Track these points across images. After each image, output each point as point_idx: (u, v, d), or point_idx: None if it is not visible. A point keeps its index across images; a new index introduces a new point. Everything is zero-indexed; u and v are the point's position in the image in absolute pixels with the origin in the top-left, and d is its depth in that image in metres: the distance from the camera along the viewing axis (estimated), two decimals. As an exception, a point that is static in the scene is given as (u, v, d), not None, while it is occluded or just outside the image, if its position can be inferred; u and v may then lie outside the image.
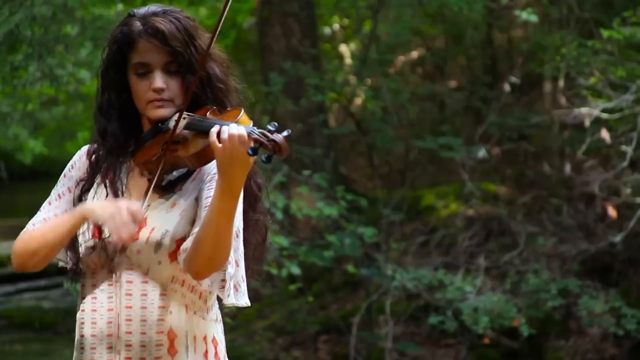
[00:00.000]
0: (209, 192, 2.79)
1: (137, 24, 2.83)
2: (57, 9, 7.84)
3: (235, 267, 2.81)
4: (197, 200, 2.83)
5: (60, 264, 3.02)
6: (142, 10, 2.86)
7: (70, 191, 2.98)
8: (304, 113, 9.28)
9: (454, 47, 11.07)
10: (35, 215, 2.99)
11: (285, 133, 2.57)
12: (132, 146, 2.94)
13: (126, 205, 2.72)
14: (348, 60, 12.20)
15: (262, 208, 2.94)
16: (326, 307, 9.38)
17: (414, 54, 12.09)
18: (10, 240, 3.01)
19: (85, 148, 3.03)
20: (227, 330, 9.64)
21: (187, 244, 2.75)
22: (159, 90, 2.83)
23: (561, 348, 8.33)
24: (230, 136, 2.58)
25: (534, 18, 8.14)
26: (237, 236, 2.81)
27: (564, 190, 9.02)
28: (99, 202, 2.84)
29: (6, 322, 11.36)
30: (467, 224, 9.03)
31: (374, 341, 8.61)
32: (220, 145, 2.59)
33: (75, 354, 2.91)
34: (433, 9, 10.32)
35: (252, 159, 2.59)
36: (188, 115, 2.80)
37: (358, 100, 11.02)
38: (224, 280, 2.77)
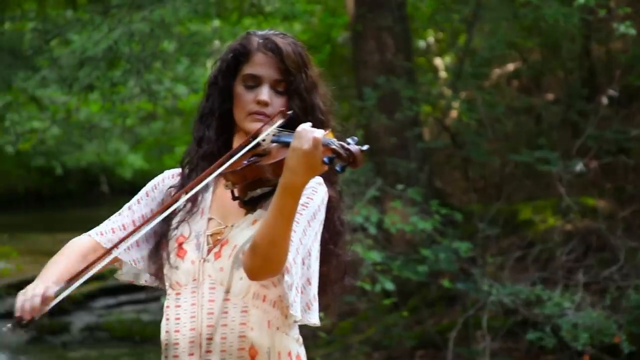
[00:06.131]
0: None
1: (257, 39, 2.92)
2: (155, 25, 7.96)
3: (307, 284, 2.82)
4: None
5: (142, 283, 3.07)
6: (262, 31, 2.97)
7: (152, 213, 3.01)
8: (398, 127, 9.25)
9: (550, 60, 10.93)
10: (109, 221, 3.04)
11: (363, 147, 2.61)
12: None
13: (45, 285, 2.76)
14: (443, 74, 12.14)
15: (344, 246, 2.95)
16: (422, 322, 9.31)
17: (510, 67, 11.97)
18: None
19: (170, 171, 3.07)
20: (323, 344, 9.51)
21: (248, 245, 2.77)
22: (263, 104, 2.88)
23: (664, 365, 8.14)
24: (307, 135, 2.60)
25: (632, 31, 7.99)
26: (310, 255, 2.83)
27: (665, 204, 8.84)
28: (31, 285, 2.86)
29: (108, 334, 11.53)
30: (565, 238, 8.88)
31: (471, 357, 8.52)
32: (296, 141, 2.61)
33: None
34: (529, 22, 10.21)
35: (323, 167, 2.61)
36: (280, 131, 2.84)
37: (453, 114, 10.95)
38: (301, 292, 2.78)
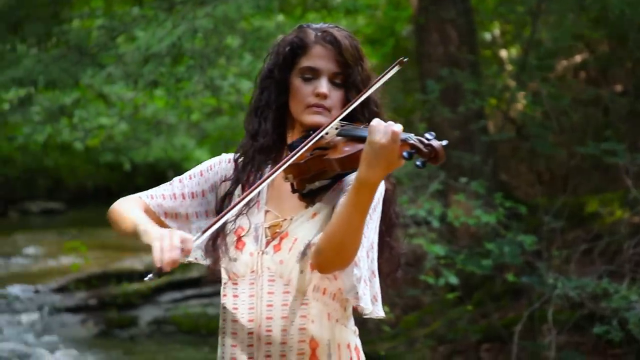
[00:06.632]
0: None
1: (313, 32, 2.94)
2: (218, 21, 8.00)
3: (372, 276, 2.82)
4: (334, 208, 2.84)
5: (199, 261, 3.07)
6: (316, 24, 2.98)
7: (203, 194, 3.03)
8: (462, 120, 9.19)
9: (618, 51, 10.78)
10: (158, 188, 3.07)
11: (444, 142, 2.59)
12: (278, 152, 2.98)
13: (180, 233, 2.70)
14: (508, 66, 12.04)
15: (397, 237, 2.95)
16: (488, 316, 9.26)
17: (577, 59, 11.84)
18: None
19: (226, 155, 3.08)
20: (388, 338, 9.46)
21: (316, 239, 2.77)
22: (322, 96, 2.89)
23: None
24: (386, 129, 2.59)
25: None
26: (373, 248, 2.82)
27: None
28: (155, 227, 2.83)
29: (175, 328, 11.63)
30: (633, 231, 8.76)
31: (536, 350, 8.45)
32: (373, 135, 2.60)
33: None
34: (595, 13, 10.08)
35: (401, 162, 2.60)
36: (342, 125, 2.83)
37: (519, 106, 10.86)
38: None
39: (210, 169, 3.06)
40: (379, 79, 2.80)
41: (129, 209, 2.93)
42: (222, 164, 3.06)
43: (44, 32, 9.50)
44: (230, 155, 3.07)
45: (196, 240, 2.71)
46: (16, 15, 9.40)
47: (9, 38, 9.66)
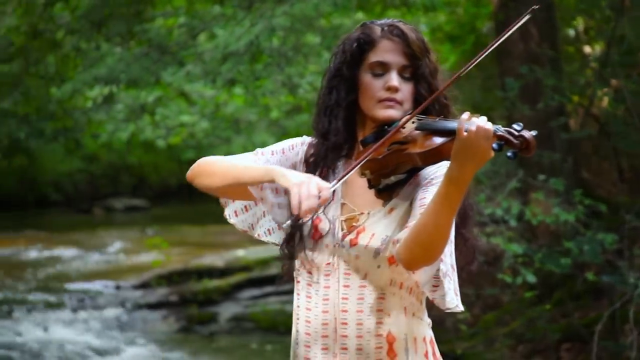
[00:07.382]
0: (424, 193, 2.79)
1: (379, 27, 2.93)
2: (296, 19, 8.04)
3: (452, 270, 2.79)
4: (412, 203, 2.83)
5: (255, 236, 3.08)
6: (380, 20, 2.97)
7: None
8: (542, 117, 9.08)
9: None
10: (241, 155, 3.04)
11: (534, 132, 2.57)
12: (350, 149, 2.98)
13: (317, 180, 2.71)
14: (592, 63, 11.87)
15: (472, 230, 2.92)
16: (568, 315, 9.15)
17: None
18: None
19: (307, 137, 3.07)
20: (466, 337, 9.37)
21: (402, 235, 2.75)
22: (393, 89, 2.88)
23: None
24: (478, 127, 2.57)
25: None
26: (451, 241, 2.79)
27: None
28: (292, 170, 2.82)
29: (253, 325, 11.70)
30: None
31: (618, 350, 8.33)
32: (465, 133, 2.58)
33: (292, 347, 2.98)
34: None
35: (491, 154, 2.58)
36: (418, 118, 2.82)
37: (603, 103, 10.71)
38: (437, 278, 2.75)
39: (292, 148, 3.05)
40: (511, 28, 2.73)
41: (233, 161, 2.93)
42: (304, 145, 3.06)
43: (126, 31, 9.64)
44: (310, 139, 3.05)
45: (332, 188, 2.71)
46: (100, 14, 9.55)
47: (93, 37, 9.82)
